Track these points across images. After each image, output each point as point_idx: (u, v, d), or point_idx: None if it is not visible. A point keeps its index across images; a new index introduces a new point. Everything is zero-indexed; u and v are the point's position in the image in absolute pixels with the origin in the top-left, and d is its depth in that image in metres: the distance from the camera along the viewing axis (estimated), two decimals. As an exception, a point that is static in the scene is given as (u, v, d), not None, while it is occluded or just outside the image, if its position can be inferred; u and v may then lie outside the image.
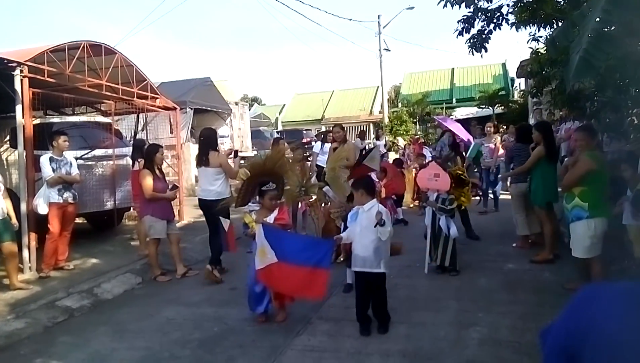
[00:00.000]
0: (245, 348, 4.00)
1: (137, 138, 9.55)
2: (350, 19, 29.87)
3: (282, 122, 34.25)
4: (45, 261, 6.11)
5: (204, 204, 6.06)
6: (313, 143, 13.12)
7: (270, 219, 4.50)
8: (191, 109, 14.42)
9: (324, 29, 49.34)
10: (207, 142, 6.13)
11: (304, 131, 25.29)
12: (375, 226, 3.97)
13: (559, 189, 5.53)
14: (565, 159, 7.78)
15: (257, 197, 4.81)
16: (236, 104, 19.07)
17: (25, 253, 6.08)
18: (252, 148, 19.74)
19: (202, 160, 6.04)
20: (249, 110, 23.77)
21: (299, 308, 4.73)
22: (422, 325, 4.27)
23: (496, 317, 4.35)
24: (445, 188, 5.67)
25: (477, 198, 7.99)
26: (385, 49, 27.03)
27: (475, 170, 7.04)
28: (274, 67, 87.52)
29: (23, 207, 6.09)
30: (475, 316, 4.39)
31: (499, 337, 3.95)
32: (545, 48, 7.32)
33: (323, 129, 23.80)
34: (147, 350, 4.07)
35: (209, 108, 15.93)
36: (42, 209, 6.05)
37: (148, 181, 6.02)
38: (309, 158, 9.96)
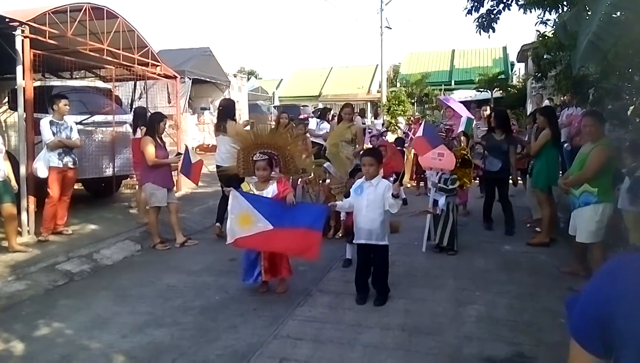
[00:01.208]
0: (247, 317, 4.05)
1: (137, 105, 9.45)
2: (353, -5, 29.54)
3: (279, 97, 33.96)
4: (44, 225, 6.10)
5: (220, 169, 6.10)
6: (310, 119, 13.05)
7: (268, 193, 4.47)
8: (190, 78, 14.27)
9: (326, 2, 48.42)
10: (226, 111, 6.62)
11: (302, 107, 25.13)
12: (390, 197, 4.08)
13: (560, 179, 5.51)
14: (565, 145, 7.83)
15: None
16: (234, 76, 18.89)
17: (24, 216, 6.06)
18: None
19: (221, 128, 6.42)
20: (247, 83, 23.53)
21: (300, 281, 4.79)
22: (421, 301, 4.35)
23: (493, 296, 4.43)
24: (450, 167, 5.70)
25: (477, 180, 8.03)
26: (386, 26, 26.71)
27: (479, 150, 7.04)
28: (273, 41, 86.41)
29: (22, 170, 6.04)
30: (472, 295, 4.47)
31: (496, 315, 4.03)
32: (553, 32, 7.27)
33: (320, 105, 23.63)
34: (150, 315, 4.11)
35: (207, 79, 15.76)
36: (42, 172, 6.01)
37: (150, 149, 5.99)
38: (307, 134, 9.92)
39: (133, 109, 7.99)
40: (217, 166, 6.44)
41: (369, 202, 4.20)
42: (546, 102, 10.29)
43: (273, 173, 4.62)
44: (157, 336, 3.73)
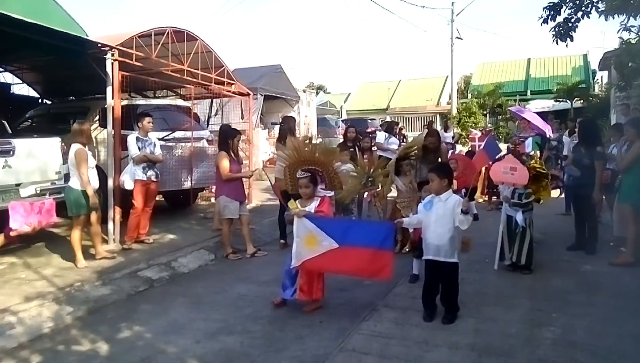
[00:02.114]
0: (313, 329, 4.12)
1: (213, 122, 9.98)
2: (423, 7, 29.26)
3: (347, 111, 34.25)
4: (128, 234, 6.56)
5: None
6: (377, 132, 13.05)
7: (311, 210, 4.50)
8: (261, 95, 14.77)
9: (395, 16, 48.46)
10: (287, 128, 6.94)
11: (369, 120, 25.17)
12: (460, 213, 4.00)
13: None
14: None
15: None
16: (304, 91, 19.30)
17: (110, 225, 6.55)
18: (318, 135, 19.95)
19: (281, 144, 6.40)
20: (316, 97, 23.96)
21: (364, 295, 4.80)
22: (492, 320, 4.20)
23: (571, 319, 4.20)
24: (522, 182, 5.44)
25: (558, 190, 7.60)
26: (457, 37, 26.27)
27: (558, 164, 6.72)
28: (341, 55, 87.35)
29: (110, 183, 6.55)
30: (548, 316, 4.26)
31: (574, 339, 3.81)
32: (637, 38, 6.85)
33: (388, 119, 23.55)
34: (222, 323, 4.29)
35: (278, 95, 16.25)
36: (129, 185, 6.48)
37: (225, 163, 6.29)
38: (374, 148, 9.95)
39: (220, 126, 8.32)
40: (276, 179, 6.59)
41: (438, 217, 4.15)
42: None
43: (321, 189, 4.64)
44: (228, 343, 3.89)
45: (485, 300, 4.72)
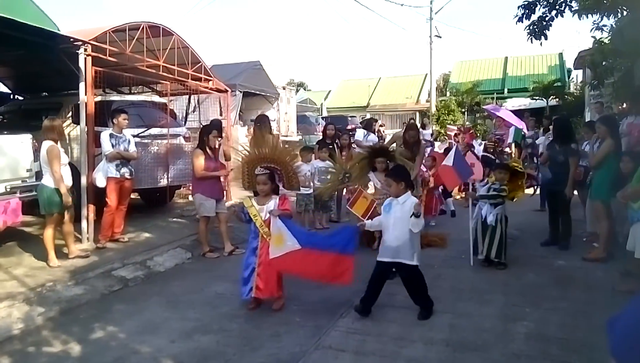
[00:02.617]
0: (290, 327, 4.10)
1: (191, 118, 9.87)
2: (402, 4, 29.40)
3: (327, 108, 34.23)
4: (102, 232, 6.44)
5: None
6: (357, 130, 13.05)
7: (270, 208, 4.45)
8: (240, 92, 14.65)
9: (374, 13, 48.54)
10: (263, 127, 7.16)
11: (349, 118, 25.21)
12: (410, 216, 4.03)
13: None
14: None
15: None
16: (283, 88, 19.21)
17: (84, 224, 6.42)
18: (298, 132, 19.89)
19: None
20: (295, 95, 23.88)
21: (342, 292, 4.78)
22: (467, 316, 4.25)
23: (544, 313, 4.27)
24: (479, 176, 5.65)
25: (532, 189, 7.74)
26: (436, 35, 26.42)
27: (534, 163, 6.83)
28: (322, 52, 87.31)
29: (83, 180, 6.41)
30: (522, 311, 4.33)
31: (546, 333, 3.88)
32: (610, 38, 6.98)
33: (368, 116, 23.61)
34: (198, 322, 4.25)
35: (257, 92, 16.13)
36: (101, 182, 6.36)
37: (199, 161, 6.22)
38: (353, 145, 9.95)
39: (210, 121, 8.20)
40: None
41: (396, 220, 4.17)
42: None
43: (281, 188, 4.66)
44: (204, 342, 3.85)
45: (460, 295, 4.77)
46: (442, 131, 19.35)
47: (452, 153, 5.77)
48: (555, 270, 5.55)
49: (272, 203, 4.50)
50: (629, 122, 8.17)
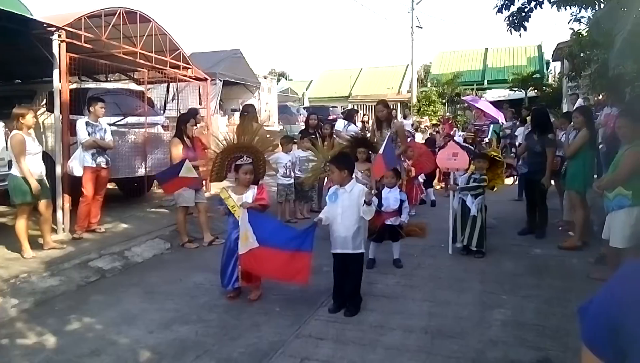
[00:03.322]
0: (270, 316, 4.10)
1: (170, 107, 9.70)
2: (384, -5, 29.34)
3: (309, 98, 34.10)
4: (79, 223, 6.32)
5: None
6: (338, 120, 13.01)
7: (248, 198, 4.41)
8: (220, 81, 14.49)
9: (356, 3, 48.42)
10: (249, 117, 7.10)
11: (331, 108, 25.15)
12: (363, 205, 3.92)
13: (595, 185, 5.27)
14: (601, 146, 7.57)
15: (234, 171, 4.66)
16: (264, 78, 19.07)
17: (59, 214, 6.29)
18: (279, 122, 19.78)
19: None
20: (277, 84, 23.72)
21: (322, 281, 4.78)
22: (446, 303, 4.30)
23: (521, 300, 4.34)
24: (464, 166, 5.69)
25: (511, 179, 7.85)
26: (417, 26, 26.52)
27: (512, 153, 6.92)
28: (303, 42, 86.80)
29: (58, 170, 6.28)
30: (499, 299, 4.39)
31: (522, 320, 3.94)
32: (587, 29, 7.07)
33: (350, 106, 23.61)
34: (176, 312, 4.20)
35: (238, 81, 15.97)
36: (77, 171, 6.23)
37: (176, 150, 6.13)
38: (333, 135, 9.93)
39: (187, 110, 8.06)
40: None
41: (344, 209, 4.03)
42: (579, 102, 9.98)
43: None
44: (182, 332, 3.81)
45: (439, 283, 4.82)
46: (422, 121, 19.42)
47: (384, 142, 5.69)
48: (532, 258, 5.65)
49: (250, 192, 4.46)
50: (606, 113, 8.34)
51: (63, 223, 6.35)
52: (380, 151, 5.48)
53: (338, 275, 4.19)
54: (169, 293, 4.68)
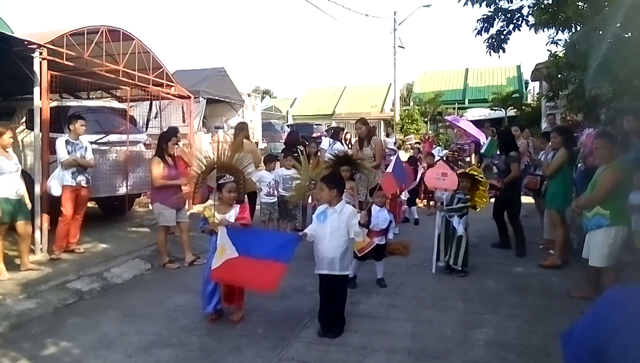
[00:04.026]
0: (252, 338, 4.03)
1: (153, 125, 9.62)
2: (367, 15, 29.95)
3: (293, 116, 34.25)
4: (57, 243, 6.19)
5: None
6: (323, 138, 13.07)
7: (230, 217, 4.39)
8: (204, 98, 14.47)
9: (339, 23, 49.10)
10: (242, 134, 7.45)
11: (315, 126, 25.27)
12: (357, 226, 3.93)
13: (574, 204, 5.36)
14: (579, 165, 7.70)
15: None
16: (248, 95, 19.10)
17: (38, 234, 6.16)
18: (263, 140, 19.77)
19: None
20: (261, 102, 23.79)
21: (306, 302, 4.77)
22: (429, 323, 4.29)
23: (503, 319, 4.36)
24: (452, 186, 5.71)
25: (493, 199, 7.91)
26: (399, 46, 26.94)
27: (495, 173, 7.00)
28: (287, 60, 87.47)
29: (37, 188, 6.16)
30: (482, 318, 4.40)
31: (505, 339, 3.95)
32: (564, 51, 7.26)
33: (334, 124, 23.75)
34: (156, 335, 4.11)
35: (221, 98, 15.97)
36: (56, 190, 6.12)
37: (156, 170, 6.06)
38: (318, 153, 9.95)
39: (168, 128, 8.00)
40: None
41: (333, 229, 3.97)
42: (559, 122, 10.18)
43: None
44: (162, 356, 3.73)
45: (423, 303, 4.82)
46: (405, 140, 19.64)
47: (392, 159, 5.76)
48: (513, 276, 5.69)
49: (233, 211, 4.44)
50: (588, 133, 8.52)
51: (41, 243, 6.21)
52: (390, 169, 5.50)
53: (323, 296, 4.14)
54: (148, 316, 4.59)
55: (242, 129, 7.66)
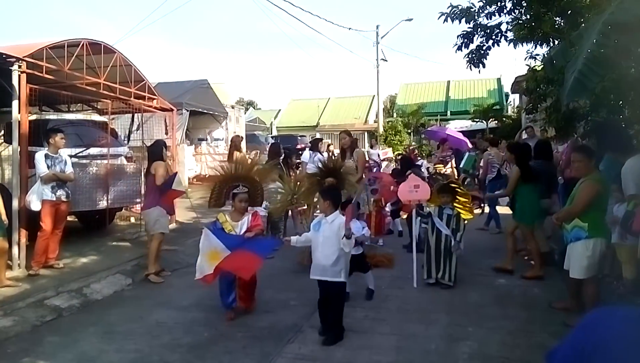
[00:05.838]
0: (235, 355, 3.98)
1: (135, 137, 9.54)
2: (350, 28, 30.30)
3: (277, 127, 34.30)
4: (35, 259, 6.05)
5: None
6: (305, 150, 13.07)
7: (243, 224, 4.74)
8: (187, 110, 14.39)
9: (322, 36, 49.56)
10: (235, 146, 8.14)
11: (299, 137, 25.31)
12: (342, 238, 4.08)
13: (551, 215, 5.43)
14: (559, 178, 7.78)
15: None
16: (232, 107, 19.07)
17: (15, 250, 6.01)
18: (247, 151, 19.71)
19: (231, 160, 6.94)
20: (245, 114, 23.76)
21: (290, 317, 4.74)
22: (413, 337, 4.29)
23: (486, 332, 4.37)
24: (425, 197, 5.80)
25: (479, 210, 7.97)
26: (382, 59, 27.27)
27: (477, 185, 7.06)
28: (271, 72, 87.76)
29: (15, 203, 6.03)
30: (465, 331, 4.41)
31: (488, 352, 3.97)
32: (542, 66, 7.41)
33: (318, 135, 23.83)
34: (137, 353, 4.04)
35: (205, 110, 15.91)
36: (35, 205, 6.00)
37: (162, 171, 6.16)
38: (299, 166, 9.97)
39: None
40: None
41: (325, 239, 4.21)
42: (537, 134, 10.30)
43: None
44: (143, 375, 3.66)
45: (407, 316, 4.81)
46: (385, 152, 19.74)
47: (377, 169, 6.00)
48: (496, 288, 5.72)
49: (246, 219, 4.76)
50: (564, 147, 8.67)
51: (19, 258, 6.06)
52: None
53: (319, 302, 4.32)
54: (129, 333, 4.50)
55: (235, 143, 8.26)
